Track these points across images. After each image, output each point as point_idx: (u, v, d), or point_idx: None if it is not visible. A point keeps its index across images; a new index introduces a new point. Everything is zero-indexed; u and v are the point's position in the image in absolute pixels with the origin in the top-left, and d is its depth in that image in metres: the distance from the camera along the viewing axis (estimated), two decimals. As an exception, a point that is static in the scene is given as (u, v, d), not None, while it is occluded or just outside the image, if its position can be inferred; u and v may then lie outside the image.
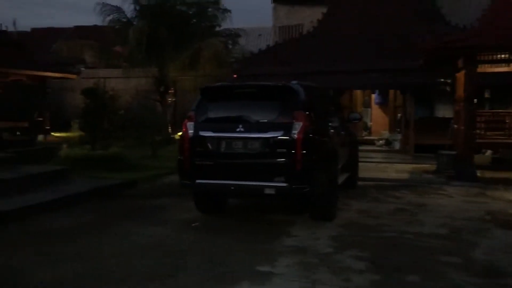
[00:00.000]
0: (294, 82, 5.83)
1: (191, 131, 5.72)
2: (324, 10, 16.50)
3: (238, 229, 5.77)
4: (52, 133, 16.59)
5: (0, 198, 6.64)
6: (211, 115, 5.78)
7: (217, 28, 18.31)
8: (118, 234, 5.60)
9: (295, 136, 5.25)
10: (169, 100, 17.04)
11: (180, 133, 14.87)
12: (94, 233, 5.69)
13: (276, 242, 5.18)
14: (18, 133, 14.26)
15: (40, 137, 15.08)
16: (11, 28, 20.09)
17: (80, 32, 23.78)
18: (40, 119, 16.61)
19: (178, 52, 15.66)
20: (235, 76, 13.95)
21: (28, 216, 6.24)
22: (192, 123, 5.75)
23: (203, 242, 5.28)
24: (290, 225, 5.89)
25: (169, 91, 16.84)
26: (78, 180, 8.47)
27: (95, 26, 25.24)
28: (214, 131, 5.59)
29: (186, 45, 15.68)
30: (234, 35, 18.86)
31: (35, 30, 26.32)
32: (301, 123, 5.27)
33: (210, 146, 5.61)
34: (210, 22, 17.95)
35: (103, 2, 15.59)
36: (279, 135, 5.34)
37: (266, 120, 5.50)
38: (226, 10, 17.79)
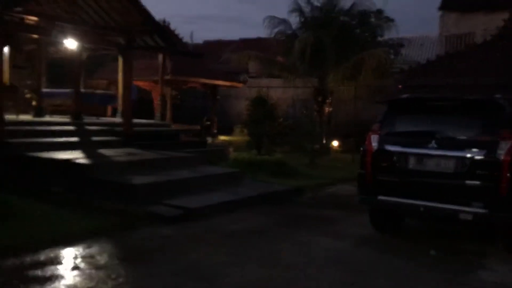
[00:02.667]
0: (498, 96, 5.25)
1: (375, 144, 5.54)
2: (503, 16, 14.86)
3: (420, 253, 5.40)
4: (219, 137, 17.87)
5: (185, 195, 7.30)
6: (399, 128, 5.52)
7: (379, 38, 17.79)
8: (295, 243, 5.69)
9: (501, 157, 4.71)
10: (326, 110, 17.05)
11: (334, 143, 14.63)
12: (272, 238, 5.88)
13: (472, 275, 4.71)
14: (190, 135, 15.63)
15: (208, 140, 16.36)
16: (187, 40, 22.32)
17: (245, 44, 25.32)
18: (208, 123, 18.06)
19: (339, 63, 15.59)
20: (400, 87, 13.32)
21: (211, 214, 6.71)
22: (377, 136, 5.56)
23: (383, 263, 5.06)
24: (482, 256, 5.32)
25: (327, 101, 16.84)
26: (249, 183, 8.90)
27: (258, 39, 26.72)
28: (402, 146, 5.32)
29: (348, 55, 15.52)
30: (396, 45, 18.11)
31: (206, 42, 28.88)
32: (509, 143, 4.69)
33: (396, 162, 5.36)
34: (373, 32, 17.52)
35: (271, 16, 16.30)
36: (479, 154, 4.85)
37: (464, 137, 5.05)
38: (389, 19, 17.19)
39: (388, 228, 6.19)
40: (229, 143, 16.84)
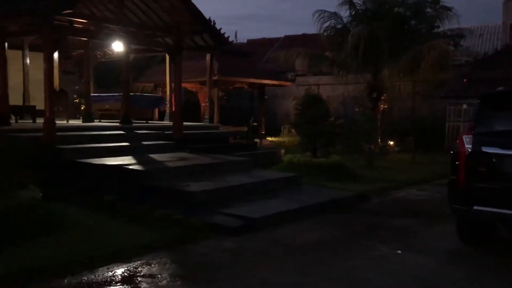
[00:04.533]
0: None
1: (469, 146, 4.77)
2: None
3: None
4: (268, 138, 17.32)
5: (243, 203, 6.77)
6: (497, 127, 4.74)
7: (436, 30, 16.71)
8: (372, 258, 5.04)
9: None
10: (381, 107, 16.14)
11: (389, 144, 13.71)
12: (344, 252, 5.27)
13: None
14: (238, 137, 15.15)
15: (256, 141, 15.84)
16: (232, 39, 21.88)
17: (290, 41, 24.73)
18: (255, 124, 17.53)
19: (395, 56, 14.68)
20: (465, 80, 12.29)
21: (274, 225, 6.14)
22: (471, 136, 4.79)
23: (478, 286, 4.28)
24: None
25: (382, 98, 15.93)
26: (308, 188, 8.29)
27: (303, 35, 26.07)
28: (503, 148, 4.53)
29: (404, 48, 14.59)
30: (456, 35, 16.93)
31: (250, 41, 28.47)
32: None
33: (496, 166, 4.58)
34: (429, 23, 16.44)
35: (321, 10, 15.58)
36: None
37: None
38: (446, 8, 16.03)
39: (477, 240, 5.40)
40: (278, 145, 16.25)
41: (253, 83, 17.03)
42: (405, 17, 16.10)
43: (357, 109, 16.37)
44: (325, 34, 16.11)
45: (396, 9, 15.93)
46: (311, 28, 25.72)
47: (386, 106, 16.72)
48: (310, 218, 6.65)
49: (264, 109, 18.10)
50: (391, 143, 15.56)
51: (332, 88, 19.46)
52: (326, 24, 15.67)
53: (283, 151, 13.19)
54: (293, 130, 15.91)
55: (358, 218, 6.97)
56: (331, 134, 11.38)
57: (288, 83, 18.17)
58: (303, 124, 11.20)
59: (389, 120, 16.69)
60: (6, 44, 9.72)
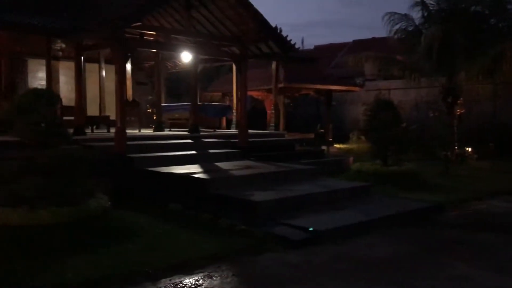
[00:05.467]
0: None
1: None
2: None
3: None
4: (335, 145, 16.90)
5: (309, 214, 6.54)
6: None
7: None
8: (452, 278, 4.63)
9: None
10: (458, 111, 15.14)
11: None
12: (419, 270, 4.88)
13: None
14: (304, 144, 14.90)
15: (323, 148, 15.49)
16: (298, 46, 21.72)
17: (358, 45, 24.06)
18: (322, 130, 17.17)
19: (472, 58, 13.73)
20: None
21: (340, 238, 5.86)
22: None
23: None
24: None
25: (458, 102, 14.95)
26: (379, 199, 7.88)
27: (372, 39, 25.30)
28: None
29: (483, 48, 13.59)
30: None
31: (317, 47, 28.14)
32: None
33: None
34: (511, 21, 15.22)
35: (391, 12, 14.97)
36: None
37: None
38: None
39: None
40: (346, 152, 15.78)
41: (320, 89, 16.70)
42: (483, 15, 15.05)
43: (431, 114, 15.51)
44: (396, 36, 15.44)
45: (473, 7, 14.94)
46: (380, 31, 24.94)
47: (463, 111, 15.67)
48: (381, 231, 6.27)
49: (331, 115, 17.68)
50: (469, 149, 14.53)
51: (404, 93, 18.63)
52: (397, 27, 15.01)
53: (351, 159, 12.76)
54: (362, 137, 15.39)
55: (434, 232, 6.47)
56: (403, 141, 10.82)
57: (357, 88, 17.63)
58: (373, 130, 10.74)
59: (466, 125, 15.63)
60: (82, 57, 10.29)
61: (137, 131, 11.54)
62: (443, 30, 13.32)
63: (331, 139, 16.99)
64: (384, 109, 10.68)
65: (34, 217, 4.98)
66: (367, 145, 12.51)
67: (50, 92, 6.11)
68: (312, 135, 15.96)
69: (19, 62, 13.05)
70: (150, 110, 15.64)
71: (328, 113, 17.55)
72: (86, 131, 10.55)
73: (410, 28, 15.37)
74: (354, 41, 27.15)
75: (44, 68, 11.03)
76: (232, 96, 14.84)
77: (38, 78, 13.15)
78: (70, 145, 6.04)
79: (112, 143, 8.63)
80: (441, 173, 11.30)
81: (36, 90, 5.94)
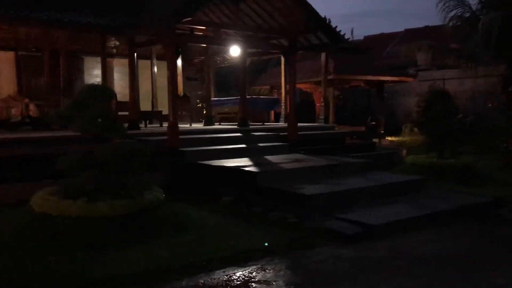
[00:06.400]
0: None
1: None
2: None
3: None
4: (387, 137, 16.48)
5: (361, 208, 6.40)
6: None
7: None
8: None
9: None
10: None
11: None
12: (480, 268, 4.66)
13: None
14: (354, 137, 14.62)
15: (375, 141, 15.13)
16: (348, 37, 21.28)
17: (411, 35, 23.29)
18: (373, 123, 16.78)
19: (536, 44, 12.94)
20: None
21: (395, 233, 5.69)
22: None
23: None
24: None
25: (519, 92, 14.14)
26: (435, 193, 7.59)
27: (425, 28, 24.38)
28: None
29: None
30: None
31: (367, 38, 27.49)
32: None
33: None
34: None
35: (446, -2, 14.34)
36: None
37: None
38: None
39: None
40: (399, 145, 15.34)
41: (371, 81, 16.32)
42: (549, -2, 14.09)
43: (490, 105, 14.75)
44: (451, 24, 14.79)
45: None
46: (433, 20, 23.97)
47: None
48: (437, 226, 6.05)
49: (383, 107, 17.23)
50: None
51: (459, 82, 17.85)
52: (452, 13, 14.37)
53: (404, 151, 12.39)
54: (415, 129, 14.88)
55: (496, 228, 6.17)
56: (460, 133, 10.37)
57: (409, 79, 17.06)
58: (427, 122, 10.34)
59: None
60: (135, 54, 10.57)
61: (188, 125, 11.75)
62: (503, 16, 12.63)
63: (382, 132, 16.58)
64: (438, 100, 10.26)
65: (93, 209, 5.17)
66: (421, 137, 12.09)
67: (106, 88, 6.30)
68: (362, 128, 15.64)
69: (76, 60, 13.63)
70: (200, 105, 15.88)
71: (379, 105, 17.13)
72: (140, 125, 10.86)
73: (467, 15, 14.68)
74: (405, 30, 26.25)
75: (99, 65, 11.43)
76: (280, 89, 14.79)
77: (93, 75, 13.66)
78: (125, 139, 6.20)
79: (165, 137, 8.82)
80: (501, 167, 10.75)
81: (92, 86, 6.13)
